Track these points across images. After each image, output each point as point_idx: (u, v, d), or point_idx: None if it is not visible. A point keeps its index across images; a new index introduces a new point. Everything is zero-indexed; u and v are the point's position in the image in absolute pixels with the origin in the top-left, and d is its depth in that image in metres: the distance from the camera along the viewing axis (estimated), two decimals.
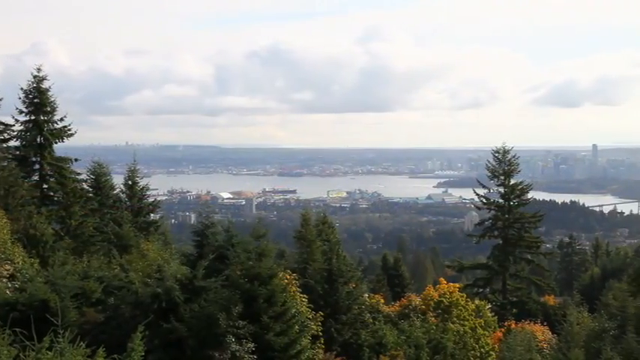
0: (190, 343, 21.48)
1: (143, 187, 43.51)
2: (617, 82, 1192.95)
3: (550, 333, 44.43)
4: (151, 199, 45.78)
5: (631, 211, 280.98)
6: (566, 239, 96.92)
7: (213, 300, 22.28)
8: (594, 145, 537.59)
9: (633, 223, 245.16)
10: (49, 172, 38.06)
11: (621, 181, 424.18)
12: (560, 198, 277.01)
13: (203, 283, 22.66)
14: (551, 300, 60.03)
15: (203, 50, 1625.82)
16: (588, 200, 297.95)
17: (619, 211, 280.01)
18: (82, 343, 12.65)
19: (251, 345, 22.15)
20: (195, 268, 22.94)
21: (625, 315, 37.07)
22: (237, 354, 21.83)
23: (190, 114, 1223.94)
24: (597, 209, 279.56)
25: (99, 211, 38.62)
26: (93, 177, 40.25)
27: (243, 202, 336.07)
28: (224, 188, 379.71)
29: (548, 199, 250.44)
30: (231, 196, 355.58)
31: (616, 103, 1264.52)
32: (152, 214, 45.06)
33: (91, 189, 39.78)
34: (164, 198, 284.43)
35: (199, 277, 22.71)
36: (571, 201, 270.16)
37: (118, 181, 42.38)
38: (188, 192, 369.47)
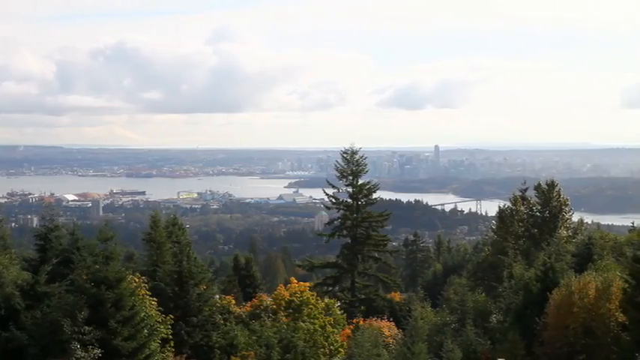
0: (32, 351, 20.81)
1: None
2: (457, 86, 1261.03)
3: (396, 328, 46.00)
4: None
5: (470, 209, 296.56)
6: (411, 237, 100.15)
7: (56, 306, 21.66)
8: (436, 146, 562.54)
9: (472, 221, 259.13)
10: None
11: (461, 181, 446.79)
12: (405, 197, 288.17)
13: (46, 289, 22.03)
14: (397, 296, 62.13)
15: (44, 47, 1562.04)
16: (431, 199, 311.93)
17: (459, 209, 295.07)
18: None
19: (98, 351, 21.70)
20: (37, 273, 22.29)
21: (464, 309, 39.24)
22: None
23: (31, 113, 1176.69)
24: (439, 208, 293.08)
25: None
26: None
27: (90, 204, 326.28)
28: (69, 190, 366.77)
29: (394, 199, 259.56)
30: (76, 198, 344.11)
31: (456, 106, 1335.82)
32: None
33: None
34: (3, 200, 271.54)
35: (42, 282, 22.07)
36: (415, 200, 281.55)
37: None
38: (30, 194, 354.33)
